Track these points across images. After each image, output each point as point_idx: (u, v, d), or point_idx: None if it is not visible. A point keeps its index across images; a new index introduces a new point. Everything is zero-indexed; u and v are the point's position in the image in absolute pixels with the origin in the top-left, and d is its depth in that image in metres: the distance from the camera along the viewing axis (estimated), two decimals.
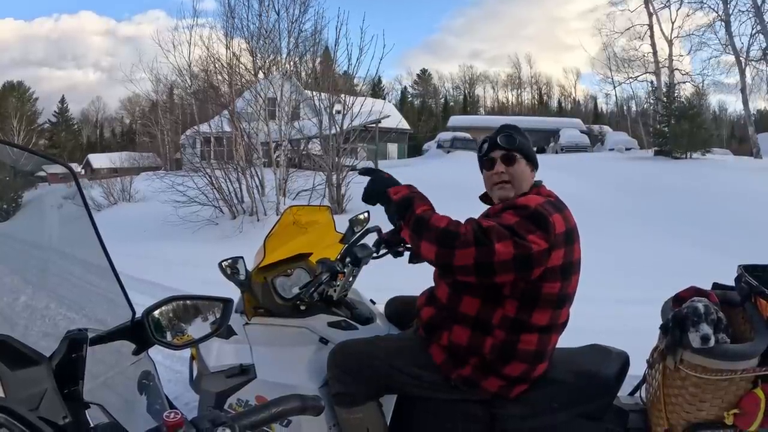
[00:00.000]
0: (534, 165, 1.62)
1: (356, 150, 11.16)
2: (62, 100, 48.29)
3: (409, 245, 1.77)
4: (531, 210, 1.41)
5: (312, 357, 1.71)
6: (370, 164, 11.11)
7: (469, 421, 1.55)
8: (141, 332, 0.88)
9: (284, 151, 10.25)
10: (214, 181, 9.58)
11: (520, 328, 1.46)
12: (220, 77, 11.21)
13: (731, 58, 17.74)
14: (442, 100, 51.32)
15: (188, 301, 0.92)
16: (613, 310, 3.88)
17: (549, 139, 25.40)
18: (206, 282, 2.97)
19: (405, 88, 51.80)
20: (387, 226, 1.71)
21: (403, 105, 43.92)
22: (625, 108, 32.96)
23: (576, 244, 1.48)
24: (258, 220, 9.02)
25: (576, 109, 46.68)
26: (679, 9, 19.35)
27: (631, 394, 1.72)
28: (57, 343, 0.85)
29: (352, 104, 9.52)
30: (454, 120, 31.72)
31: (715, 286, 1.67)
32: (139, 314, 0.91)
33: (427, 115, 44.92)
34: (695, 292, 1.56)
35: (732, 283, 1.62)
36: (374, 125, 12.96)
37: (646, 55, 21.51)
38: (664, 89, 18.08)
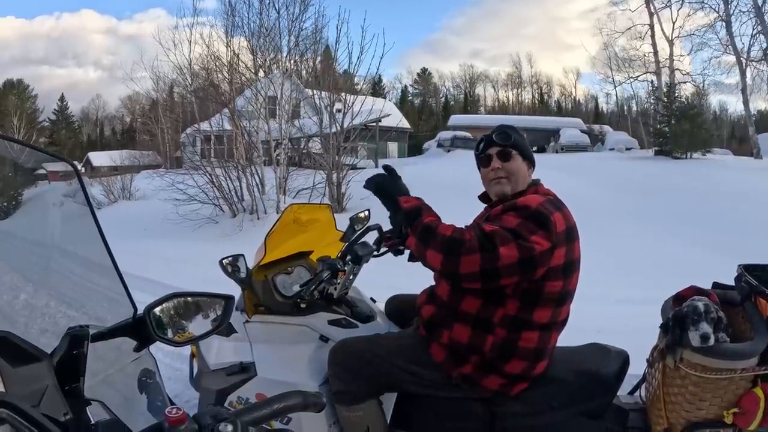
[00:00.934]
0: (531, 162, 1.63)
1: (356, 149, 11.16)
2: (62, 98, 48.29)
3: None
4: (532, 210, 1.41)
5: (312, 355, 1.71)
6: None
7: (470, 419, 1.55)
8: (142, 329, 0.88)
9: (284, 150, 10.25)
10: (215, 180, 9.59)
11: (520, 326, 1.47)
12: (220, 75, 11.25)
13: (732, 58, 17.72)
14: (443, 99, 51.28)
15: (189, 298, 0.92)
16: (613, 309, 3.88)
17: (549, 139, 25.39)
18: (206, 280, 2.96)
19: (405, 87, 51.82)
20: (387, 226, 1.72)
21: (403, 104, 43.83)
22: (625, 108, 32.97)
23: (576, 242, 1.49)
24: (258, 218, 9.02)
25: (576, 108, 46.57)
26: (680, 9, 19.32)
27: (631, 392, 1.72)
28: (58, 340, 0.85)
29: (353, 103, 9.53)
30: (455, 119, 31.66)
31: (715, 285, 1.67)
32: (140, 311, 0.91)
33: (428, 114, 44.91)
34: (695, 291, 1.56)
35: (732, 283, 1.62)
36: (374, 124, 12.94)
37: (646, 54, 21.48)
38: (665, 89, 18.05)
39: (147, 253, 7.01)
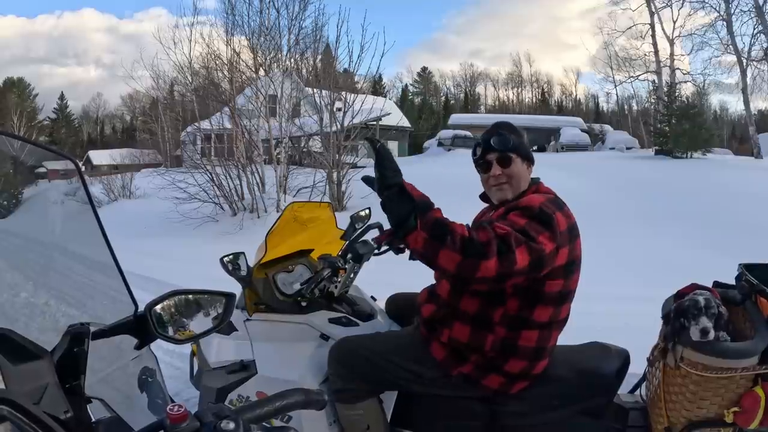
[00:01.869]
0: (530, 161, 1.60)
1: (357, 147, 11.15)
2: (61, 97, 48.26)
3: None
4: (536, 210, 1.39)
5: (313, 353, 1.71)
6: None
7: (470, 417, 1.55)
8: (143, 327, 0.88)
9: (285, 148, 10.24)
10: (215, 178, 9.57)
11: (520, 325, 1.46)
12: (220, 74, 11.22)
13: (732, 57, 17.65)
14: (443, 98, 51.22)
15: (190, 296, 0.91)
16: (613, 308, 3.88)
17: (549, 138, 25.34)
18: (206, 278, 2.96)
19: (406, 86, 51.76)
20: (387, 225, 1.71)
21: (403, 103, 43.74)
22: (625, 107, 32.85)
23: (577, 241, 1.49)
24: (258, 217, 9.01)
25: (576, 107, 46.49)
26: (680, 8, 19.26)
27: (632, 391, 1.72)
28: (58, 338, 0.85)
29: (353, 102, 9.51)
30: (455, 118, 31.58)
31: (716, 284, 1.67)
32: (141, 309, 0.90)
33: (428, 113, 44.79)
34: (696, 289, 1.56)
35: (733, 282, 1.62)
36: (375, 123, 12.92)
37: (647, 54, 21.39)
38: (665, 88, 18.03)
39: (147, 252, 7.01)
